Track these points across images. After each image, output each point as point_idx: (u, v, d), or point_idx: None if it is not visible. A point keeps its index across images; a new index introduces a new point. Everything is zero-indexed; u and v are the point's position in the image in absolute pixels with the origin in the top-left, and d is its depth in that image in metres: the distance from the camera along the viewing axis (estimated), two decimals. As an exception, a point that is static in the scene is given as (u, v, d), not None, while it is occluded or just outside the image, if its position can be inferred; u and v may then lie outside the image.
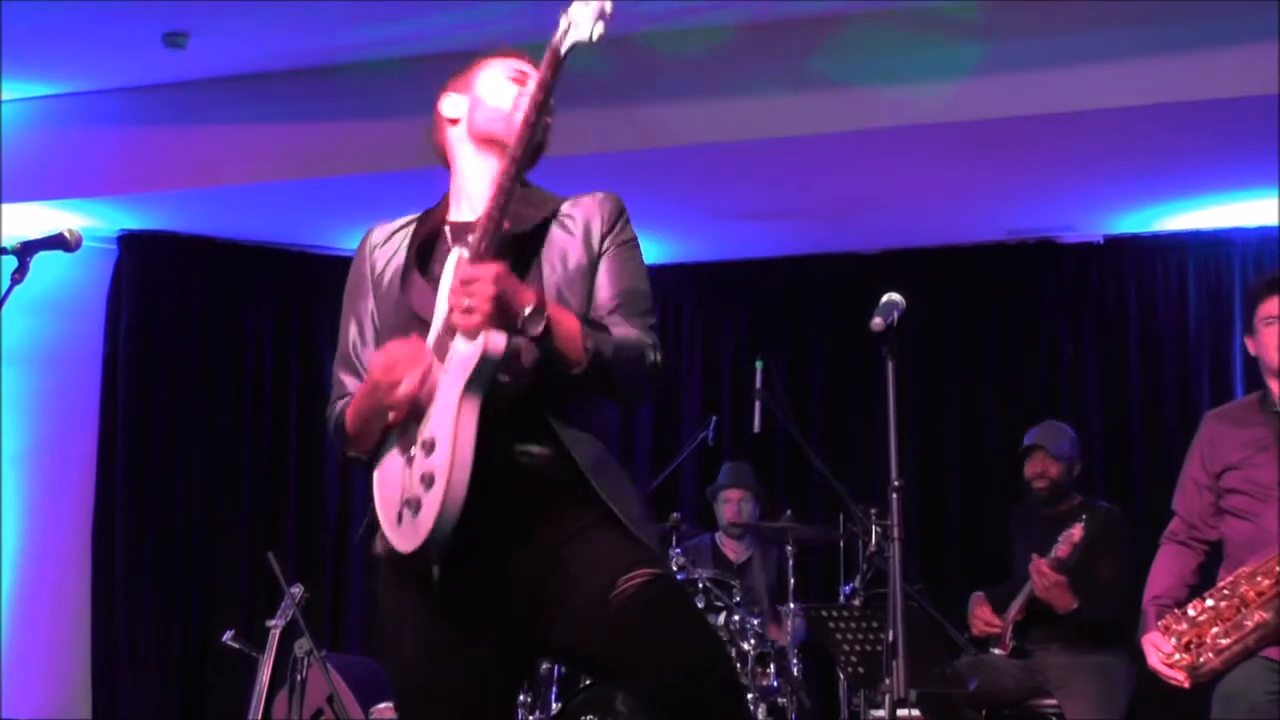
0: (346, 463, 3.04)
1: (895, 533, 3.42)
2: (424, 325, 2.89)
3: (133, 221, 7.86)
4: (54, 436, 7.89)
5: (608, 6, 2.90)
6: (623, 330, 2.91)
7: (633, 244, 3.03)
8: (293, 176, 7.18)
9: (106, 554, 7.84)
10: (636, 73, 6.67)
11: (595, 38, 2.89)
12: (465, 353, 2.76)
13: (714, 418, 6.93)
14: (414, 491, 2.78)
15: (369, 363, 2.91)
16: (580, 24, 2.91)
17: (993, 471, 7.55)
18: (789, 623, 6.23)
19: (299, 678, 5.47)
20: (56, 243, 3.28)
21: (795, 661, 6.07)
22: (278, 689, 5.66)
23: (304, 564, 7.70)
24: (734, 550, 7.10)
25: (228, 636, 5.79)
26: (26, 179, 7.14)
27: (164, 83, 7.10)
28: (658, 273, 8.34)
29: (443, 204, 3.13)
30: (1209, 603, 4.25)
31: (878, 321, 3.81)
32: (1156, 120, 6.37)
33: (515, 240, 2.94)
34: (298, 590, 5.64)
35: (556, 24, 2.92)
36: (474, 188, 3.06)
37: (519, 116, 2.95)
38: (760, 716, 5.78)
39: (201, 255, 8.10)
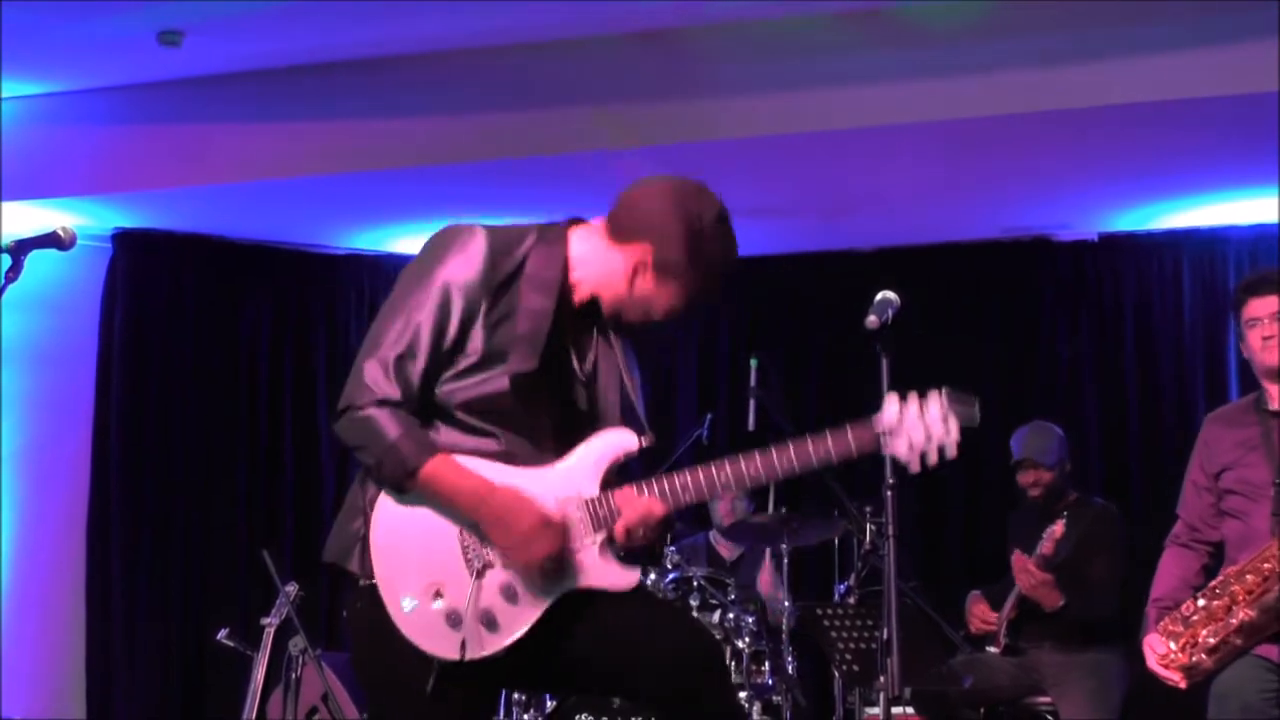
0: (348, 458, 3.03)
1: (890, 530, 3.41)
2: (516, 399, 2.88)
3: (127, 219, 7.85)
4: (48, 434, 7.88)
5: (934, 458, 2.99)
6: None
7: None
8: (287, 175, 7.17)
9: (101, 552, 7.83)
10: (632, 71, 6.66)
11: (911, 470, 3.01)
12: (611, 570, 2.89)
13: (709, 415, 6.91)
14: (464, 609, 2.80)
15: (517, 498, 2.84)
16: (906, 444, 2.99)
17: (990, 469, 7.53)
18: (786, 620, 6.22)
19: (294, 676, 5.47)
20: (51, 241, 3.27)
21: (790, 659, 6.07)
22: (273, 687, 5.66)
23: (299, 562, 7.68)
24: (727, 549, 7.10)
25: (222, 635, 5.79)
26: (21, 177, 7.13)
27: (158, 80, 7.09)
28: (653, 271, 8.41)
29: (561, 260, 2.99)
30: (1200, 603, 4.28)
31: (872, 319, 3.80)
32: (1152, 118, 6.36)
33: (623, 347, 3.07)
34: (292, 589, 5.63)
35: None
36: (581, 284, 3.01)
37: (647, 320, 3.03)
38: (755, 714, 5.77)
39: (196, 253, 8.09)
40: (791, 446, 2.94)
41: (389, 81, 6.79)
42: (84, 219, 7.56)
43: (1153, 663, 4.34)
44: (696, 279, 3.01)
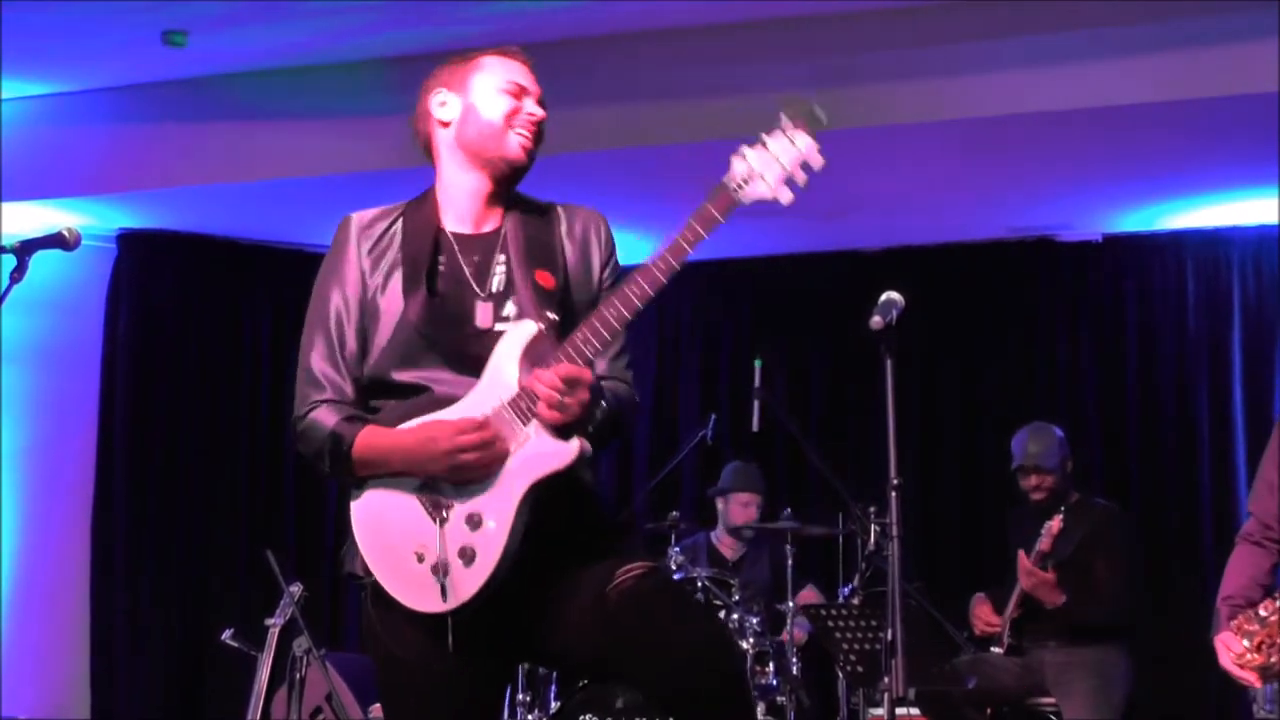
0: (319, 475, 3.03)
1: (894, 531, 3.42)
2: (424, 340, 2.90)
3: (131, 220, 7.86)
4: (53, 435, 7.89)
5: (800, 176, 2.87)
6: (611, 384, 2.98)
7: (618, 275, 3.08)
8: (292, 174, 7.18)
9: (105, 552, 7.84)
10: (635, 71, 6.67)
11: (785, 202, 2.89)
12: (547, 450, 2.82)
13: (713, 416, 6.90)
14: (444, 557, 2.82)
15: (428, 425, 2.85)
16: (764, 181, 2.88)
17: (991, 469, 7.53)
18: (790, 620, 6.22)
19: (298, 676, 5.46)
20: (55, 241, 3.27)
21: (794, 660, 6.07)
22: (277, 687, 5.66)
23: (303, 562, 7.70)
24: (730, 549, 7.10)
25: (226, 635, 5.78)
26: (25, 178, 7.14)
27: (163, 80, 7.10)
28: (657, 271, 8.40)
29: (430, 202, 3.06)
30: None
31: (877, 320, 3.81)
32: (1156, 118, 6.36)
33: (529, 241, 3.01)
34: (296, 589, 5.63)
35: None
36: (460, 198, 3.05)
37: (515, 140, 3.01)
38: (760, 715, 5.77)
39: (200, 253, 8.10)
40: (665, 250, 2.93)
41: (395, 81, 6.79)
42: (88, 219, 7.57)
43: (1226, 661, 4.24)
44: (482, 64, 3.05)
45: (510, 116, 3.02)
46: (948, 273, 8.01)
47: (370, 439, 2.89)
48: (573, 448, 2.82)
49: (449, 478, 2.84)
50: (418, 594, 2.83)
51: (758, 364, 6.22)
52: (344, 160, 7.03)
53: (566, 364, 2.80)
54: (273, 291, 8.26)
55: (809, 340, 8.26)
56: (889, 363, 3.51)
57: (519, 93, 3.04)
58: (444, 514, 2.84)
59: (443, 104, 3.06)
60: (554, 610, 2.89)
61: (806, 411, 8.07)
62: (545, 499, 2.85)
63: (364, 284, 2.97)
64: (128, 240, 7.97)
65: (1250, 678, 4.23)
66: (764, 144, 2.88)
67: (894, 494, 3.42)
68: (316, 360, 2.99)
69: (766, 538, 6.93)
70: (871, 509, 5.89)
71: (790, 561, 6.26)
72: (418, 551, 2.84)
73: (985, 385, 7.99)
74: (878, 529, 5.81)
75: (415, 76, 3.05)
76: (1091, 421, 7.75)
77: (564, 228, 3.08)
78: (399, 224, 3.02)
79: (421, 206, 3.05)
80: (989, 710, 5.99)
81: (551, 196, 3.17)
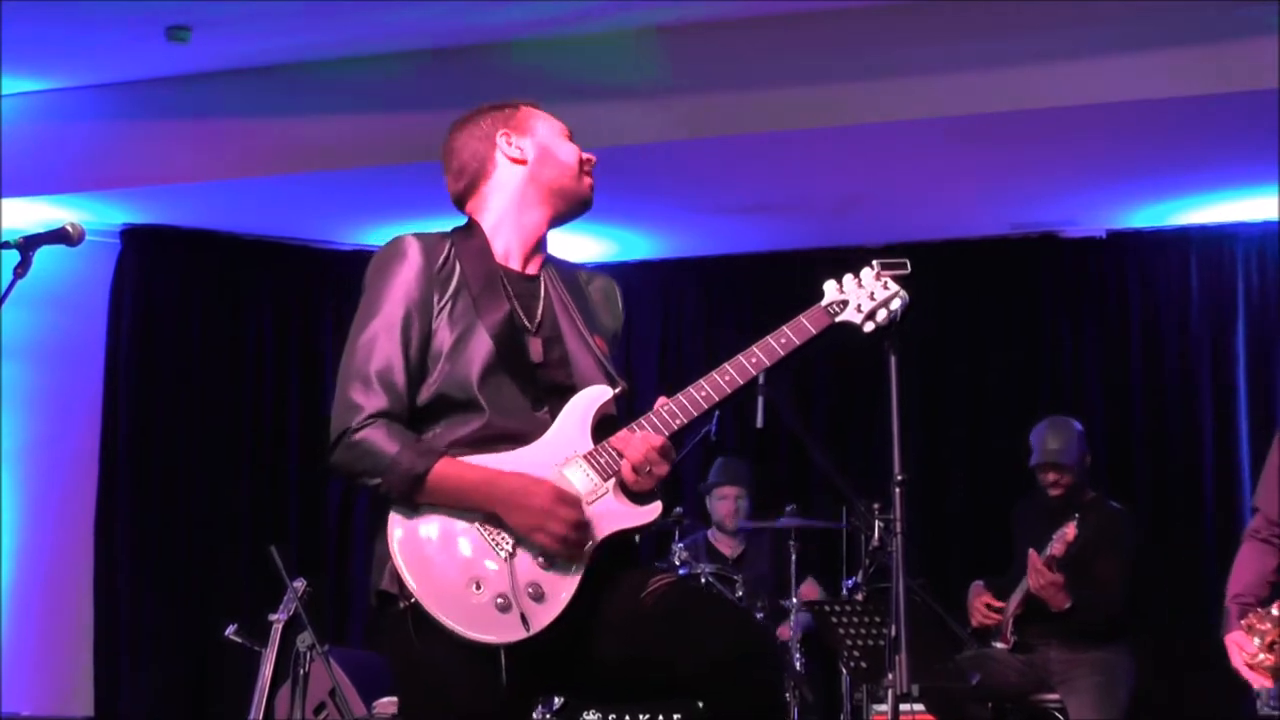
0: (351, 486, 3.02)
1: (898, 527, 3.41)
2: (498, 356, 2.94)
3: (135, 216, 7.86)
4: (56, 431, 7.89)
5: (882, 316, 3.19)
6: None
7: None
8: (295, 170, 7.18)
9: (109, 549, 7.83)
10: (638, 67, 6.66)
11: (866, 332, 3.25)
12: (626, 508, 2.95)
13: (716, 412, 6.88)
14: (509, 591, 2.83)
15: (530, 478, 2.88)
16: (856, 310, 3.24)
17: (996, 465, 7.53)
18: (792, 617, 6.23)
19: (302, 672, 5.47)
20: (59, 237, 3.27)
21: (798, 656, 6.06)
22: (280, 683, 5.66)
23: (306, 558, 7.69)
24: (728, 546, 7.10)
25: (230, 631, 5.78)
26: (28, 174, 7.14)
27: (167, 76, 7.10)
28: (661, 267, 8.41)
29: (479, 235, 3.10)
30: None
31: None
32: (1160, 115, 6.36)
33: (574, 299, 3.11)
34: (300, 584, 5.63)
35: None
36: (516, 235, 3.11)
37: (587, 182, 3.16)
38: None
39: (204, 249, 8.10)
40: (755, 347, 3.16)
41: (399, 77, 6.79)
42: (92, 215, 7.57)
43: (1237, 661, 4.20)
44: (537, 114, 3.21)
45: (581, 162, 3.16)
46: (951, 269, 8.00)
47: (451, 471, 2.87)
48: (656, 509, 2.95)
49: (524, 534, 2.86)
50: (476, 623, 2.83)
51: (762, 360, 6.20)
52: (351, 156, 7.03)
53: (658, 435, 2.94)
54: (276, 287, 8.27)
55: (813, 336, 8.25)
56: (893, 359, 3.51)
57: (571, 138, 3.19)
58: (511, 549, 2.86)
59: (513, 144, 3.13)
60: (589, 627, 2.92)
61: (811, 408, 8.06)
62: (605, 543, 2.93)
63: (432, 301, 2.98)
64: (131, 236, 7.97)
65: (1262, 678, 4.18)
66: (858, 278, 3.24)
67: (898, 490, 3.42)
68: (377, 367, 2.93)
69: (767, 533, 6.93)
70: (875, 505, 5.88)
71: (794, 557, 6.27)
72: (474, 581, 2.84)
73: (990, 381, 7.99)
74: (881, 525, 5.80)
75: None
76: (1096, 417, 7.72)
77: (592, 292, 3.20)
78: (453, 251, 3.05)
79: (470, 238, 3.10)
80: (990, 706, 5.98)
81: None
